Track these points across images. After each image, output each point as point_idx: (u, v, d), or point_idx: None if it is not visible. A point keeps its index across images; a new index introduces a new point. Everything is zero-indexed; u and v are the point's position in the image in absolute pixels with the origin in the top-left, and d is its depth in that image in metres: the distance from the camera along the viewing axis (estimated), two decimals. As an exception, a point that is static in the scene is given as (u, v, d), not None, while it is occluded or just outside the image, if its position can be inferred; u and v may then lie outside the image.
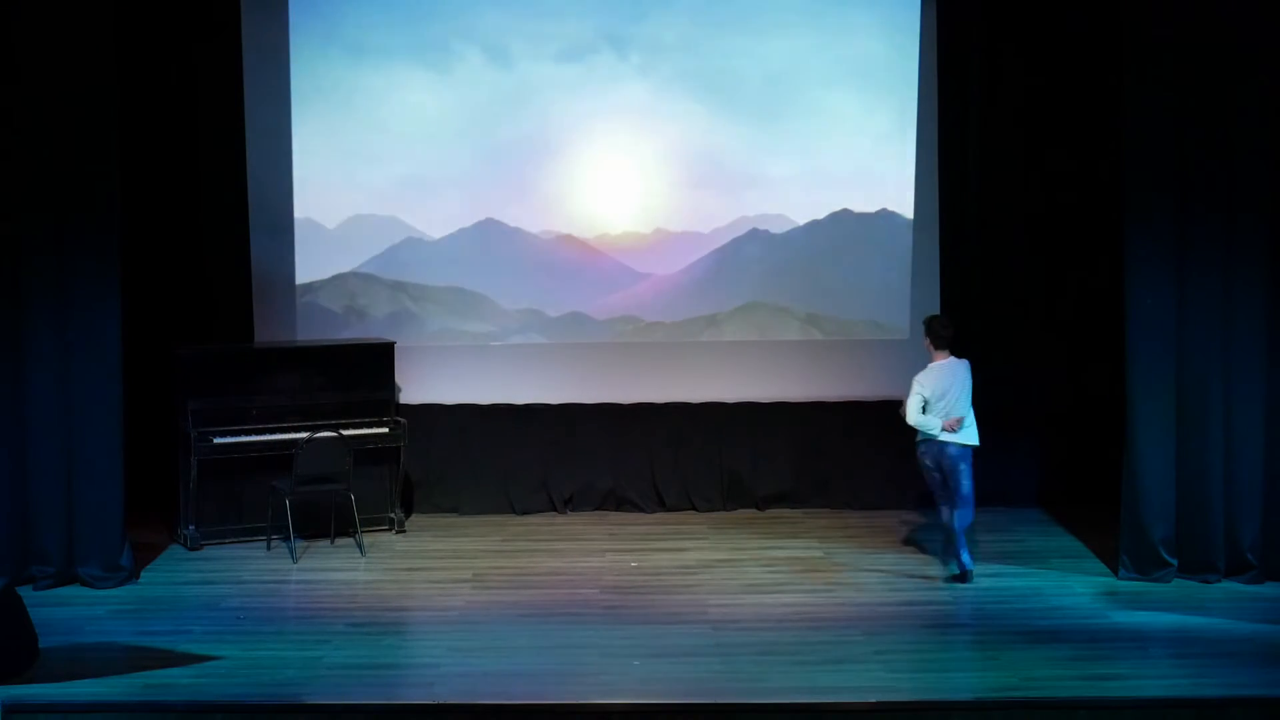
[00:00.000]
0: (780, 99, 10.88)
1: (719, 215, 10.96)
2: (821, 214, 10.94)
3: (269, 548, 9.96)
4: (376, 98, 10.75)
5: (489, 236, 10.92)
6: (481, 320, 10.96)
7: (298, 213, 10.77)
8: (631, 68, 10.86)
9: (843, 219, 10.97)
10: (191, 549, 9.95)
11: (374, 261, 10.92)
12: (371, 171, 10.81)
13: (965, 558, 9.18)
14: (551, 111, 10.86)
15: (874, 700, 7.23)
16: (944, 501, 9.21)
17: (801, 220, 10.96)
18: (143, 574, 9.38)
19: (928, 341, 9.21)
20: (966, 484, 9.10)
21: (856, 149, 10.89)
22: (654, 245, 10.98)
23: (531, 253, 10.94)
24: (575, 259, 10.99)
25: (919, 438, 9.14)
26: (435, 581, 9.33)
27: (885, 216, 10.98)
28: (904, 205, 10.96)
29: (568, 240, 10.97)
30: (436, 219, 10.92)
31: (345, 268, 10.89)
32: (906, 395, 9.05)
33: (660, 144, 10.93)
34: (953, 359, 9.16)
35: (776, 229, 10.97)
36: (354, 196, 10.83)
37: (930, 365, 9.14)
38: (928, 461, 9.16)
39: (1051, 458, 11.14)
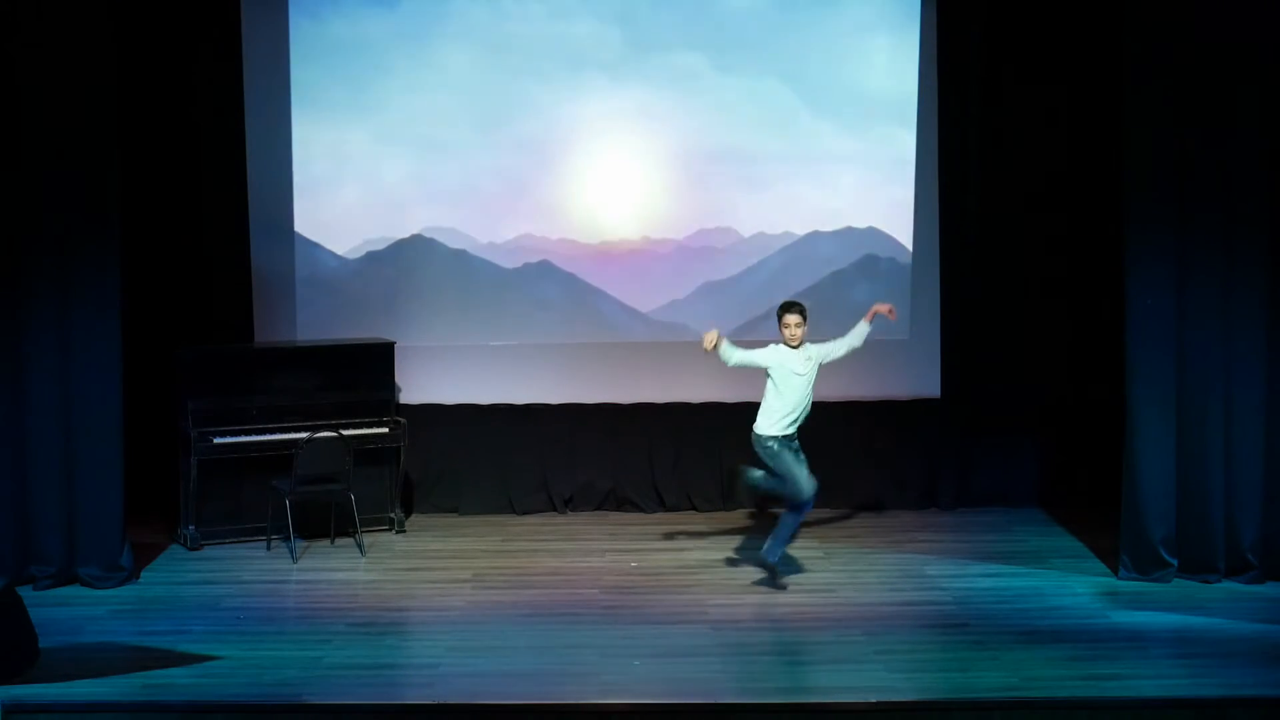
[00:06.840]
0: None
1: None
2: (825, 225, 10.96)
3: (269, 548, 9.96)
4: (377, 95, 10.73)
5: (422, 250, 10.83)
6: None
7: (297, 212, 10.79)
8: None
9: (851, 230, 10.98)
10: (191, 549, 9.95)
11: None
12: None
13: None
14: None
15: (874, 700, 7.22)
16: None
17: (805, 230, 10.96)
18: (143, 574, 9.38)
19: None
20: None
21: (849, 154, 10.86)
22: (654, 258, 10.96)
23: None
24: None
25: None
26: (435, 581, 9.33)
27: (886, 215, 10.98)
28: (905, 203, 10.95)
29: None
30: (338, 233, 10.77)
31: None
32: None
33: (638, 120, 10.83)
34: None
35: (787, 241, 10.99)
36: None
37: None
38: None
39: (1051, 458, 11.14)
